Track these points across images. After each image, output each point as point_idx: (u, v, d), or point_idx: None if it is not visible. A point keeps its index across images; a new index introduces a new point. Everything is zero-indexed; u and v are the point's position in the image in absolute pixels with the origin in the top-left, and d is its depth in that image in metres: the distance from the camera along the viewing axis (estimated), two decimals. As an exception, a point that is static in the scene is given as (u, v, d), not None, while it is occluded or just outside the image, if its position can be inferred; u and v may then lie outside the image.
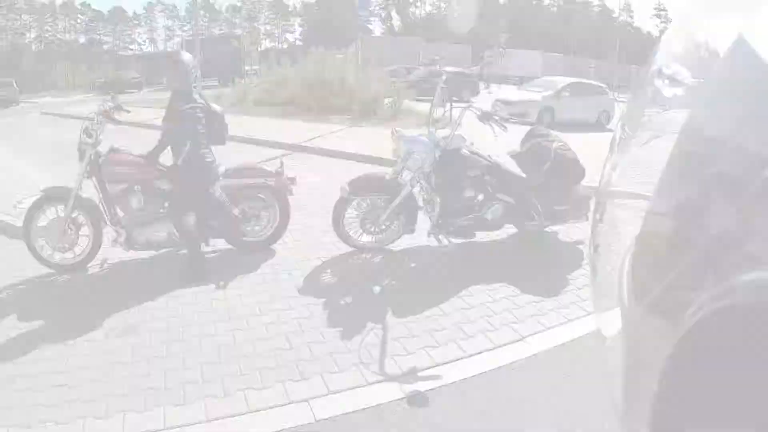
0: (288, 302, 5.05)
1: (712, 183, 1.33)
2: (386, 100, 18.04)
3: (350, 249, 6.27)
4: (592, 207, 6.60)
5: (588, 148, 14.84)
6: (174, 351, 4.24)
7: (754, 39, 1.36)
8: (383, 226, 6.19)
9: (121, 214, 5.77)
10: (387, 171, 6.34)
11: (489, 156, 6.27)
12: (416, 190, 6.22)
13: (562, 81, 22.71)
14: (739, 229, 1.15)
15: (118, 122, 5.96)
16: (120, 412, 3.50)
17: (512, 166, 6.36)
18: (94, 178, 5.69)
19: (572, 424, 3.50)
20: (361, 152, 11.83)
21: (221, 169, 5.94)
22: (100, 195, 5.75)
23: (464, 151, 6.06)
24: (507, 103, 20.92)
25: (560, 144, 6.51)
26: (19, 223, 6.40)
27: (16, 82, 38.76)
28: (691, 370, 1.20)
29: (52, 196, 5.75)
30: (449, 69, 30.62)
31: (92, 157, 5.59)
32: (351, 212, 6.14)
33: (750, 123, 1.25)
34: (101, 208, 5.77)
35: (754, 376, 1.02)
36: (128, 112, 6.14)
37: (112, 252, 6.11)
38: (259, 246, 6.31)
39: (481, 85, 34.74)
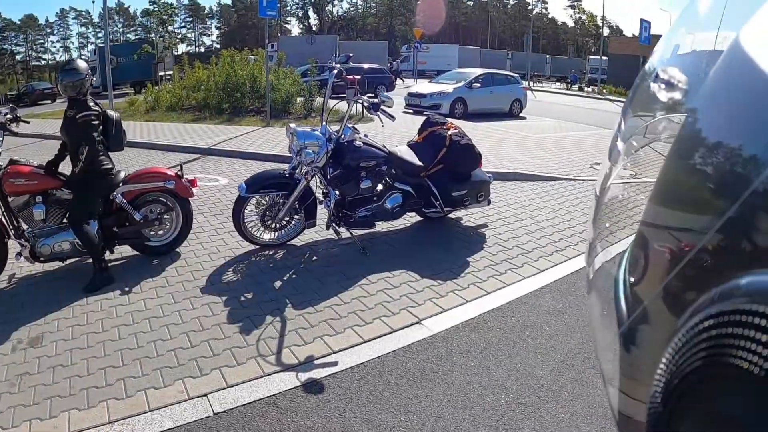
0: (190, 302, 5.08)
1: (709, 187, 1.34)
2: (299, 100, 17.99)
3: (254, 247, 6.31)
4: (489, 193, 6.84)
5: (499, 135, 15.32)
6: (78, 358, 4.23)
7: (750, 43, 1.37)
8: (284, 222, 6.27)
9: (24, 226, 5.69)
10: (284, 168, 6.36)
11: (384, 146, 6.37)
12: (315, 184, 6.28)
13: (474, 72, 23.01)
14: (736, 232, 1.15)
15: (16, 134, 5.84)
16: (26, 422, 3.50)
17: (409, 155, 6.49)
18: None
19: (471, 400, 3.68)
20: (272, 152, 11.90)
21: (121, 176, 5.91)
22: (2, 208, 5.64)
23: (358, 142, 6.15)
24: (419, 96, 21.16)
25: (455, 131, 6.68)
26: None
27: None
28: (689, 374, 1.19)
29: None
30: (366, 66, 31.02)
31: None
32: (251, 210, 6.19)
33: (746, 127, 1.26)
34: (4, 222, 5.65)
35: (754, 381, 0.99)
36: (27, 123, 6.04)
37: (20, 266, 6.05)
38: (163, 250, 6.30)
39: (398, 81, 35.04)
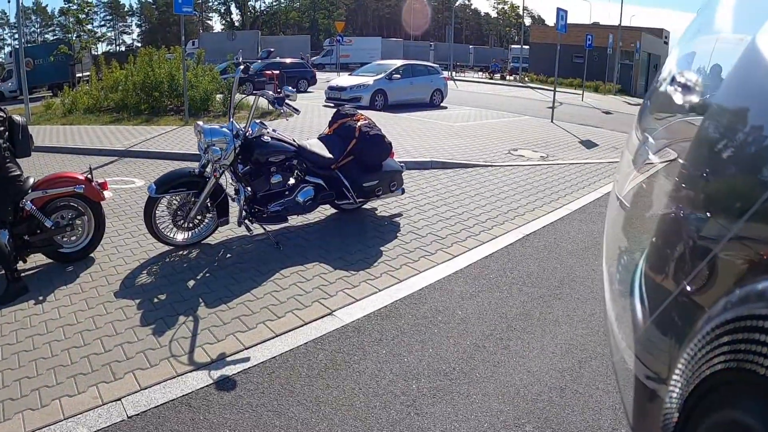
0: (104, 307, 5.03)
1: (727, 190, 1.33)
2: (218, 97, 17.80)
3: (168, 248, 6.27)
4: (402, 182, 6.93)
5: (418, 125, 15.47)
6: (-10, 371, 4.18)
7: (766, 46, 1.36)
8: (196, 221, 6.25)
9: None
10: (194, 166, 6.33)
11: (293, 140, 6.40)
12: (227, 181, 6.27)
13: (394, 63, 23.15)
14: (754, 237, 1.14)
15: None
16: (-60, 443, 3.46)
17: (319, 148, 6.53)
18: None
19: (382, 387, 3.77)
20: (189, 152, 11.76)
21: (30, 182, 5.79)
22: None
23: (266, 137, 6.16)
24: (339, 89, 21.20)
25: (365, 122, 6.75)
26: None
27: None
28: (705, 380, 1.18)
29: None
30: (288, 60, 30.83)
31: None
32: (162, 210, 6.15)
33: (763, 129, 1.25)
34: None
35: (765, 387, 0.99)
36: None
37: None
38: (77, 256, 6.19)
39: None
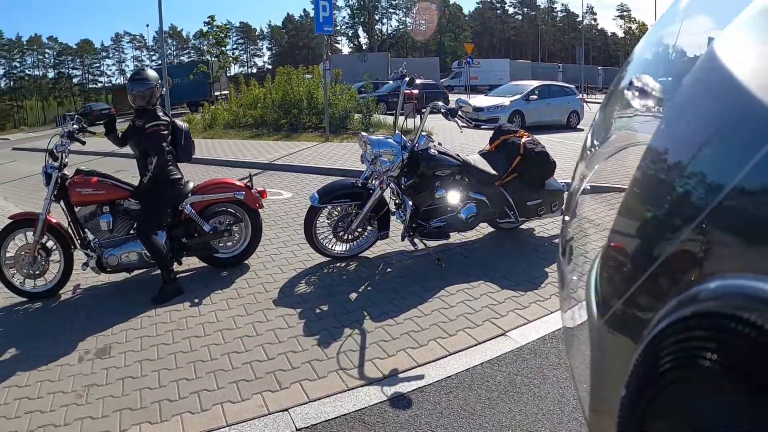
0: (263, 314, 4.96)
1: (676, 196, 1.35)
2: (356, 116, 17.97)
3: (325, 259, 6.20)
4: (564, 202, 6.64)
5: (559, 147, 15.05)
6: (148, 370, 4.15)
7: (725, 52, 1.37)
8: (356, 233, 6.12)
9: (91, 237, 5.68)
10: (356, 178, 6.25)
11: (458, 155, 6.22)
12: (388, 194, 6.16)
13: (530, 84, 22.62)
14: (701, 241, 1.18)
15: (83, 142, 5.89)
16: (95, 435, 3.41)
17: (483, 164, 6.31)
18: (61, 202, 5.61)
19: (566, 414, 3.46)
20: (334, 166, 11.84)
21: (190, 186, 5.87)
22: (69, 218, 5.66)
23: (432, 151, 5.99)
24: (477, 109, 20.82)
25: (528, 139, 6.49)
26: None
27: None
28: (656, 378, 1.21)
29: (19, 223, 5.66)
30: (419, 81, 30.83)
31: (59, 180, 5.51)
32: (322, 221, 6.07)
33: (717, 137, 1.27)
34: (71, 232, 5.68)
35: (716, 383, 1.04)
36: (93, 134, 6.06)
37: (85, 276, 6.05)
38: (232, 262, 6.22)
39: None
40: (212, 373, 4.02)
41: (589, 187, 2.25)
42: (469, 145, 12.75)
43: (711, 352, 1.03)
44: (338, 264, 6.11)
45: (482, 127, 17.58)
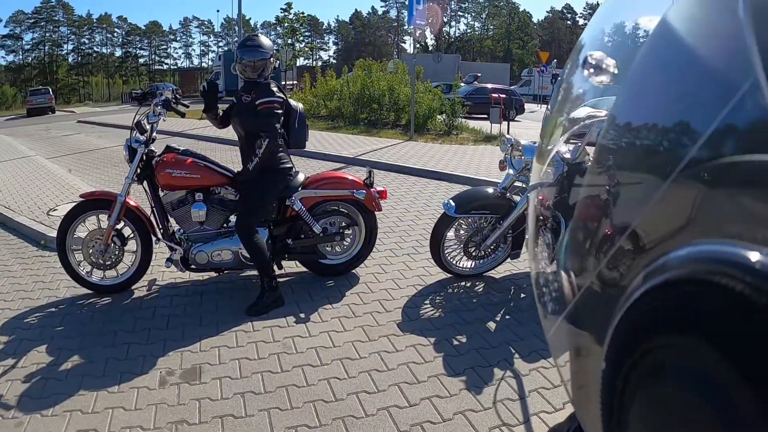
0: (390, 342, 4.07)
1: (639, 168, 1.38)
2: (438, 117, 17.05)
3: (444, 275, 5.30)
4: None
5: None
6: (254, 408, 3.29)
7: (677, 22, 1.38)
8: (488, 250, 5.19)
9: (176, 227, 4.90)
10: (492, 186, 5.36)
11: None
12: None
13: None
14: (666, 211, 1.19)
15: (182, 114, 5.07)
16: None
17: None
18: (145, 183, 4.80)
19: None
20: (426, 167, 10.87)
21: (300, 178, 5.00)
22: (152, 204, 4.83)
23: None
24: (572, 121, 19.51)
25: None
26: (53, 233, 5.68)
27: (52, 91, 38.57)
28: (633, 348, 1.21)
29: (92, 203, 4.85)
30: (490, 86, 29.79)
31: (144, 157, 4.70)
32: (450, 233, 5.16)
33: (672, 109, 1.31)
34: (153, 220, 4.87)
35: (690, 351, 1.05)
36: (186, 107, 5.23)
37: (161, 269, 5.27)
38: (339, 270, 5.33)
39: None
40: (340, 420, 3.16)
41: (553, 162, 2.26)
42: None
43: (684, 319, 1.05)
44: (462, 283, 5.18)
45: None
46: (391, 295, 4.89)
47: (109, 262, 4.84)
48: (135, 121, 4.70)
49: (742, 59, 1.06)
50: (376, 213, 5.29)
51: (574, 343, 1.69)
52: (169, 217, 4.84)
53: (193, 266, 4.82)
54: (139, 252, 4.87)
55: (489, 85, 30.14)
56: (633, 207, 1.35)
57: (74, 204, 4.90)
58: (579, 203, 1.75)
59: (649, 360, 1.17)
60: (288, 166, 4.84)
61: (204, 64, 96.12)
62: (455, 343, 4.07)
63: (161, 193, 4.77)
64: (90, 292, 4.88)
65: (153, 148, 4.78)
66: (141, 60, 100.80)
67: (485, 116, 23.94)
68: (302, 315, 4.51)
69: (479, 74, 34.76)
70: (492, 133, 15.72)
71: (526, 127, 15.39)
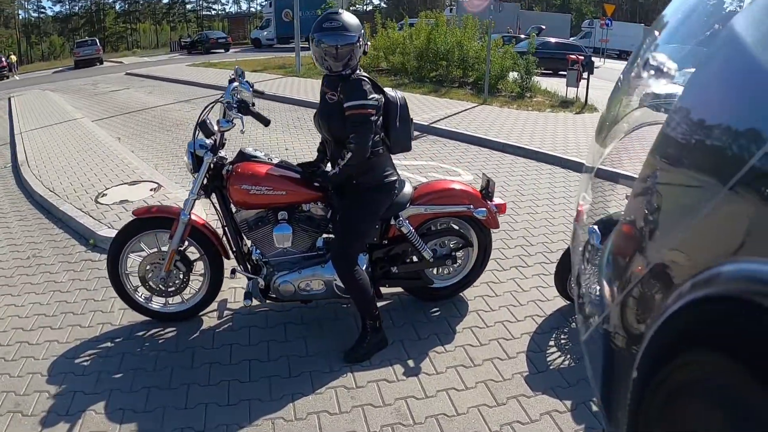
0: (521, 406, 3.19)
1: (694, 175, 1.33)
2: (510, 75, 15.77)
3: (563, 302, 4.38)
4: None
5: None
6: None
7: (744, 31, 1.34)
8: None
9: (249, 246, 4.01)
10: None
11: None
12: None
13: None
14: (720, 221, 1.15)
15: (265, 122, 3.89)
16: None
17: None
18: (214, 197, 3.88)
19: None
20: (512, 141, 9.62)
21: (407, 191, 4.00)
22: (223, 223, 3.93)
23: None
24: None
25: None
26: (103, 230, 5.10)
27: (99, 41, 37.91)
28: (666, 360, 1.20)
29: (149, 222, 3.93)
30: (553, 40, 28.04)
31: (212, 165, 3.76)
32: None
33: (732, 117, 1.25)
34: (226, 240, 3.98)
35: (730, 367, 1.02)
36: (262, 93, 4.26)
37: (232, 286, 4.52)
38: (445, 294, 4.40)
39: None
40: None
41: (604, 168, 2.20)
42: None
43: (723, 336, 1.03)
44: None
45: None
46: (510, 332, 3.98)
47: (172, 289, 4.01)
48: (200, 119, 3.75)
49: None
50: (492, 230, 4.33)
51: (608, 349, 1.63)
52: (247, 239, 3.97)
53: (273, 295, 3.94)
54: (207, 275, 4.03)
55: (552, 39, 28.47)
56: (682, 216, 1.31)
57: (125, 224, 4.02)
58: (628, 205, 1.68)
59: (682, 373, 1.14)
60: (393, 179, 3.83)
61: (253, 9, 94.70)
62: (595, 408, 3.18)
63: (233, 209, 3.88)
64: (150, 319, 4.09)
65: (223, 153, 3.86)
66: (188, 6, 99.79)
67: (550, 72, 22.57)
68: (411, 363, 3.64)
69: (543, 26, 33.06)
70: (568, 96, 14.47)
71: (601, 89, 14.11)
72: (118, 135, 10.67)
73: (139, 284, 3.99)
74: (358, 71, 3.61)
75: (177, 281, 3.98)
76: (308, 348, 3.81)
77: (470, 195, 4.13)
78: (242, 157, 3.80)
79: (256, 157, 3.81)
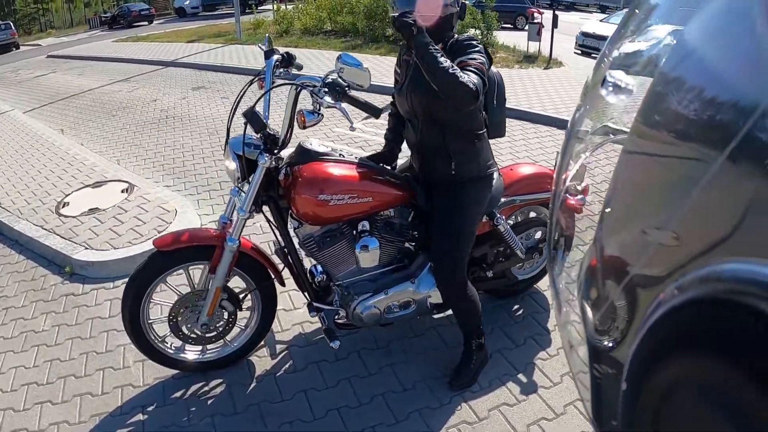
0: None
1: (667, 176, 1.27)
2: (471, 31, 14.92)
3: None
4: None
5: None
6: None
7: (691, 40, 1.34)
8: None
9: (309, 266, 3.15)
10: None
11: None
12: None
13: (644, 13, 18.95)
14: (693, 223, 1.11)
15: (376, 113, 2.73)
16: None
17: None
18: (267, 209, 2.92)
19: None
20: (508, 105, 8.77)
21: (501, 181, 3.21)
22: (281, 242, 2.99)
23: None
24: (599, 38, 16.60)
25: None
26: (84, 254, 4.32)
27: (13, 24, 35.18)
28: (654, 367, 1.17)
29: (177, 254, 2.88)
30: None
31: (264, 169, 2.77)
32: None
33: (727, 84, 1.15)
34: (274, 260, 3.09)
35: (710, 371, 1.02)
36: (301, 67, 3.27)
37: (299, 309, 3.71)
38: (521, 287, 3.78)
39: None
40: None
41: (579, 167, 2.03)
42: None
43: (710, 339, 1.01)
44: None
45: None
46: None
47: (212, 334, 3.07)
48: (239, 107, 2.79)
49: None
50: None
51: (595, 359, 1.54)
52: (305, 256, 3.08)
53: (351, 324, 3.09)
54: (258, 310, 3.13)
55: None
56: (658, 220, 1.23)
57: (145, 260, 2.91)
58: (605, 209, 1.54)
59: (672, 378, 1.11)
60: (494, 169, 3.04)
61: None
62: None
63: (291, 222, 2.94)
64: (184, 372, 3.16)
65: (282, 152, 2.87)
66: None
67: (510, 26, 21.90)
68: (522, 377, 3.10)
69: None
70: (529, 51, 13.88)
71: (558, 41, 13.54)
72: (59, 126, 9.29)
73: (168, 334, 3.04)
74: (454, 30, 2.85)
75: (221, 323, 3.06)
76: (401, 380, 3.07)
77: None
78: (305, 155, 2.83)
79: (325, 153, 2.85)
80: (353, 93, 2.63)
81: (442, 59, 2.45)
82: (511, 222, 3.45)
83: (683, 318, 1.07)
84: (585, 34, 17.43)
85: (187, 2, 39.32)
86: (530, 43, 14.16)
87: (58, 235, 4.75)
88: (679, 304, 1.06)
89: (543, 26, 13.61)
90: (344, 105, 2.60)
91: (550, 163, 6.13)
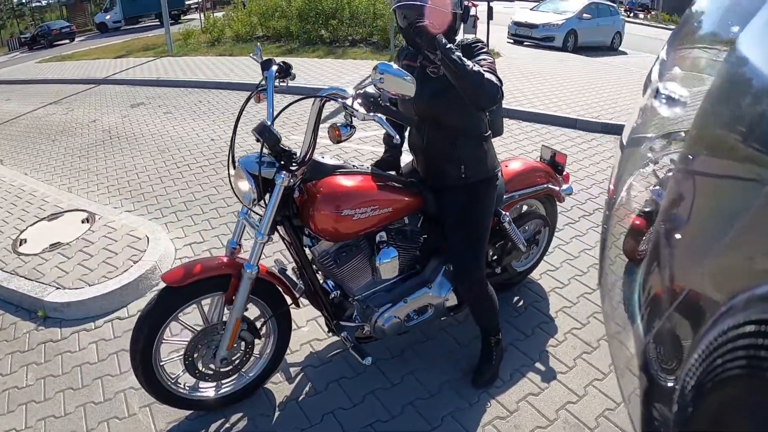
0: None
1: (720, 195, 1.25)
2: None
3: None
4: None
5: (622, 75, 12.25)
6: None
7: (747, 47, 1.28)
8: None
9: (321, 280, 3.00)
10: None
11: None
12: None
13: (580, 1, 19.55)
14: (754, 239, 1.04)
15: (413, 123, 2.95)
16: None
17: None
18: (283, 229, 2.78)
19: None
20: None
21: (501, 180, 3.27)
22: (299, 261, 2.85)
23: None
24: (530, 26, 18.33)
25: None
26: (55, 295, 4.10)
27: None
28: (709, 389, 1.10)
29: (189, 289, 2.67)
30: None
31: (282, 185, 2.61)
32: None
33: (749, 132, 1.13)
34: (285, 280, 2.96)
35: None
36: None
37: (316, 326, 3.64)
38: (518, 279, 3.98)
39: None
40: None
41: (634, 182, 1.94)
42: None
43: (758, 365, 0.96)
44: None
45: (539, 46, 17.01)
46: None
47: (229, 368, 2.90)
48: (267, 126, 2.60)
49: None
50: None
51: (645, 381, 1.49)
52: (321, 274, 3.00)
53: (373, 337, 3.06)
54: (274, 337, 3.02)
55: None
56: (713, 236, 1.17)
57: (155, 297, 2.70)
58: (658, 225, 1.51)
59: (727, 400, 1.05)
60: (499, 168, 3.15)
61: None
62: None
63: (308, 240, 2.82)
64: (198, 412, 3.00)
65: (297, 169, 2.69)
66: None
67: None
68: (540, 366, 3.25)
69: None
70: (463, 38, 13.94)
71: (492, 33, 13.85)
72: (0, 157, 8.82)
73: (180, 374, 2.85)
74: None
75: (238, 354, 2.90)
76: (426, 386, 3.08)
77: (547, 171, 3.73)
78: (320, 169, 2.71)
79: (340, 166, 2.76)
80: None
81: (467, 61, 2.49)
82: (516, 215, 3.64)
83: (741, 338, 1.01)
84: (517, 24, 18.21)
85: (108, 17, 38.27)
86: (466, 36, 14.19)
87: (21, 276, 4.40)
88: (738, 324, 1.01)
89: (478, 18, 13.66)
90: (380, 115, 2.47)
91: (509, 153, 6.36)
